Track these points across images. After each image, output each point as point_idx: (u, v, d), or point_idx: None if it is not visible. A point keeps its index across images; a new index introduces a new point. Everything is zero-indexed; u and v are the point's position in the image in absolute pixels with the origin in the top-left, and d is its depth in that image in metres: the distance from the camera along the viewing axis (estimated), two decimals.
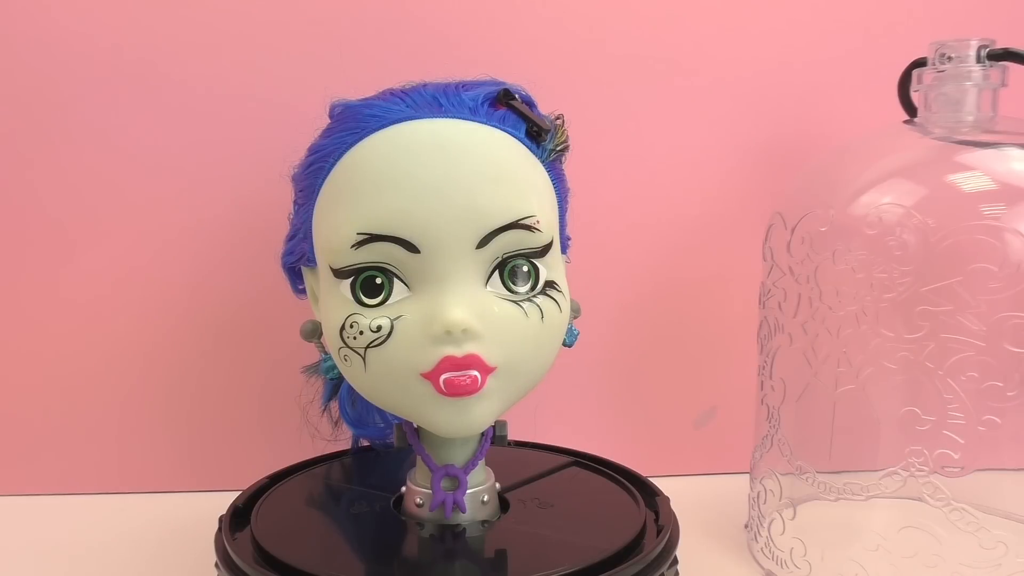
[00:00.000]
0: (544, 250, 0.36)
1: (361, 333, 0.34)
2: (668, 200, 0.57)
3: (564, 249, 0.41)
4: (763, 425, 0.46)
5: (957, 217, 0.38)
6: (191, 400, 0.56)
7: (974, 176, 0.40)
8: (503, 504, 0.41)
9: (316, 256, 0.37)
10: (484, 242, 0.34)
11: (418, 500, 0.39)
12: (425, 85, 0.37)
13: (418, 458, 0.39)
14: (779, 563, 0.44)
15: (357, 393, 0.40)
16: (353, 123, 0.36)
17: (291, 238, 0.40)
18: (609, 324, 0.57)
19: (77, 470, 0.56)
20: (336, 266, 0.35)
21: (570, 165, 0.40)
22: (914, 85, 0.44)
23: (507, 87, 0.37)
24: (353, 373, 0.36)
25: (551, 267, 0.36)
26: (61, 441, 0.56)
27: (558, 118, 0.39)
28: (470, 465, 0.39)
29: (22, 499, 0.55)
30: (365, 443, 0.48)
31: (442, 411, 0.35)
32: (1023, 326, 0.37)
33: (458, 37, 0.53)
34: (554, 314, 0.36)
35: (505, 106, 0.37)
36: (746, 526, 0.49)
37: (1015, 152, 0.40)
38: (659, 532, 0.38)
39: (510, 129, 0.36)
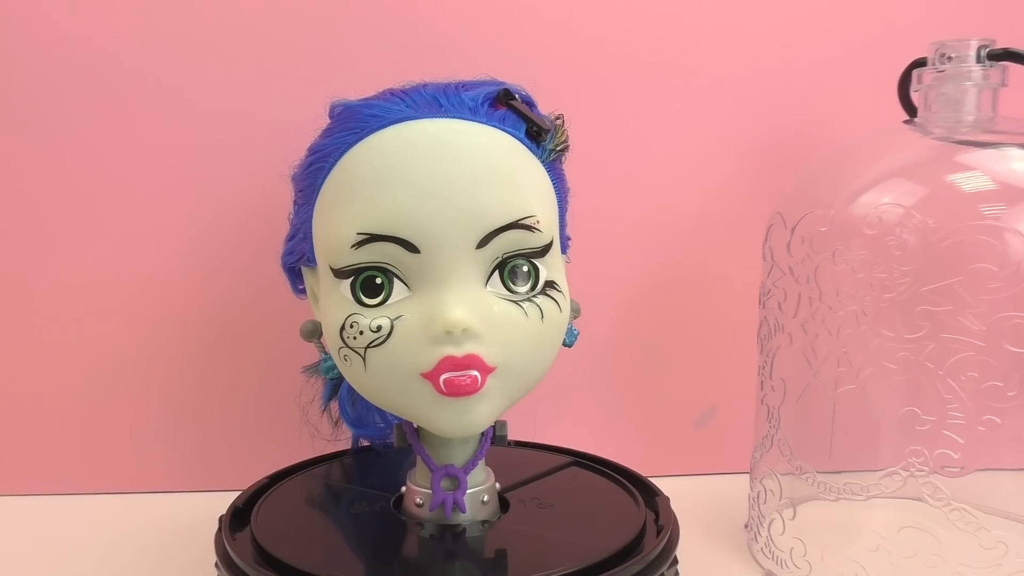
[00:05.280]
0: (544, 250, 0.36)
1: (361, 333, 0.34)
2: (668, 200, 0.57)
3: (564, 249, 0.41)
4: (763, 425, 0.46)
5: (957, 217, 0.38)
6: (191, 400, 0.56)
7: (974, 176, 0.40)
8: (503, 504, 0.41)
9: (316, 256, 0.37)
10: (484, 242, 0.34)
11: (418, 500, 0.39)
12: (425, 85, 0.37)
13: (418, 458, 0.39)
14: (779, 563, 0.44)
15: (357, 393, 0.40)
16: (353, 123, 0.36)
17: (291, 238, 0.40)
18: (609, 324, 0.57)
19: (77, 470, 0.56)
20: (336, 266, 0.35)
21: (570, 165, 0.40)
22: (914, 85, 0.44)
23: (507, 87, 0.37)
24: (353, 373, 0.36)
25: (551, 267, 0.36)
26: (61, 441, 0.56)
27: (558, 118, 0.39)
28: (470, 465, 0.39)
29: (22, 499, 0.55)
30: (365, 443, 0.48)
31: (442, 411, 0.35)
32: (1023, 326, 0.37)
33: (458, 37, 0.53)
34: (554, 314, 0.36)
35: (505, 106, 0.37)
36: (746, 526, 0.49)
37: (1015, 152, 0.40)
38: (659, 532, 0.38)
39: (510, 129, 0.36)
